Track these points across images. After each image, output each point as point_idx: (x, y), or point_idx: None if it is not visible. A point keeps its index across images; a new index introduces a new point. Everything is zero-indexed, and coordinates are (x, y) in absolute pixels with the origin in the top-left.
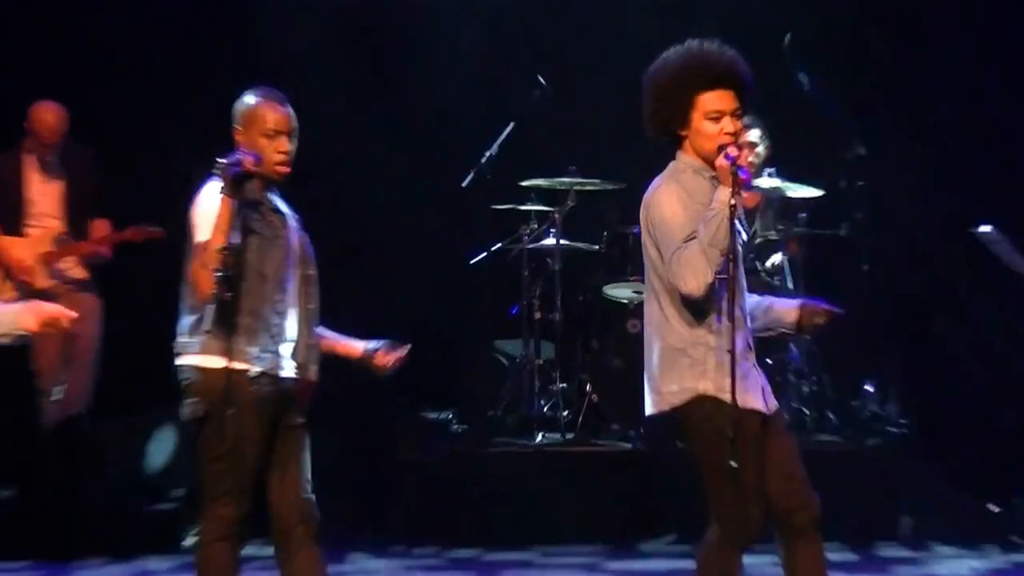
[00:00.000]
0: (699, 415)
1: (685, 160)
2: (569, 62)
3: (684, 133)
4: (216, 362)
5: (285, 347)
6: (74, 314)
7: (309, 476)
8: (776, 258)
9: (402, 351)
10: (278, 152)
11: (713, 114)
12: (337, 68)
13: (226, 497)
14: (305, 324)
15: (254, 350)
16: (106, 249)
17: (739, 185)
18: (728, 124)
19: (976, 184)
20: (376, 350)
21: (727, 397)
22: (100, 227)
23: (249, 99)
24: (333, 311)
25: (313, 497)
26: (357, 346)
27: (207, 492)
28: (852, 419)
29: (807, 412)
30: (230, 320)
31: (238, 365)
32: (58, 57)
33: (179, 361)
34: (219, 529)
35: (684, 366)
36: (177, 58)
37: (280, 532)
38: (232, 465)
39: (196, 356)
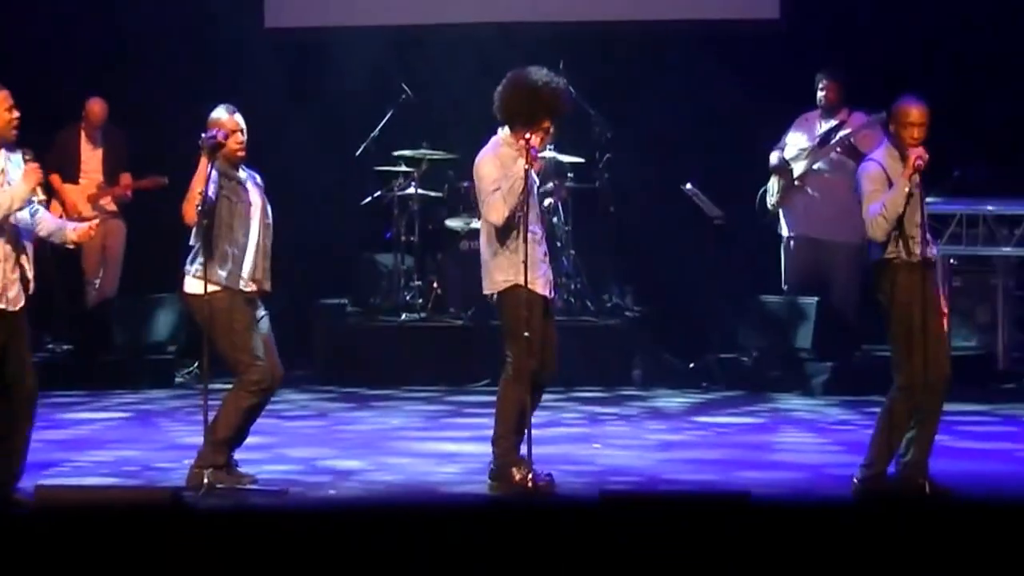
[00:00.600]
0: (510, 296)
1: (504, 137)
2: (424, 77)
3: (518, 130)
4: (200, 288)
5: (246, 271)
6: (96, 223)
7: (275, 348)
8: (549, 202)
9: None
10: (235, 143)
11: (544, 128)
12: (281, 83)
13: (245, 367)
14: (263, 255)
15: (223, 274)
16: (129, 193)
17: (531, 158)
18: (545, 135)
19: (683, 154)
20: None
21: (532, 287)
22: (125, 178)
23: (216, 110)
24: (278, 235)
25: (279, 362)
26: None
27: (235, 368)
28: (602, 307)
29: (573, 301)
30: (211, 254)
31: (213, 287)
32: (107, 62)
33: (184, 288)
34: (247, 387)
35: (505, 266)
36: (176, 78)
37: None
38: (235, 346)
39: (192, 282)
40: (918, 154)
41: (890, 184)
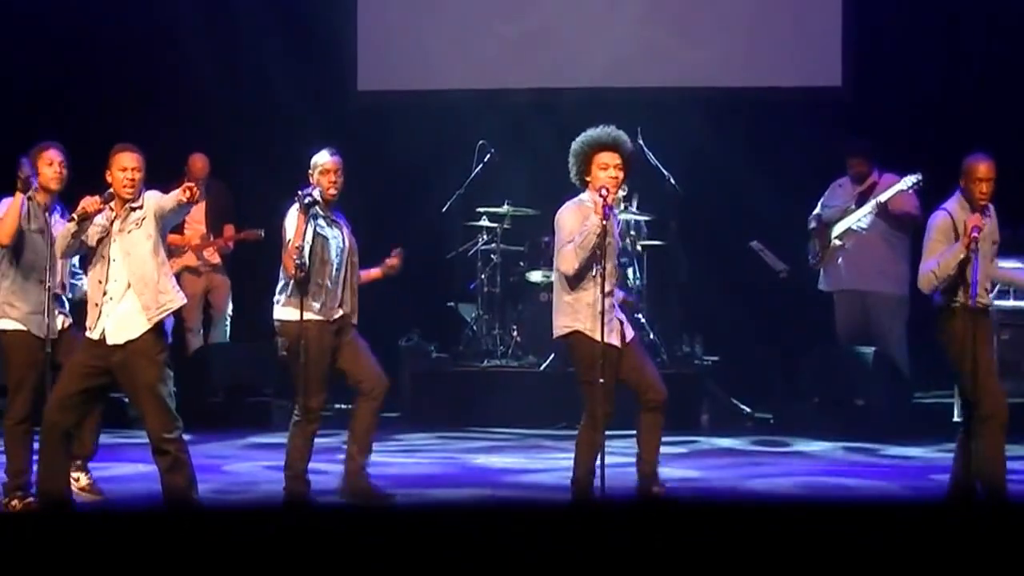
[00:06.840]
0: (576, 343)
1: (586, 194)
2: (508, 138)
3: (588, 179)
4: (293, 314)
5: (336, 302)
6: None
7: (374, 359)
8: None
9: (397, 255)
10: (330, 183)
11: (602, 166)
12: (373, 142)
13: (306, 394)
14: (351, 289)
15: (317, 305)
16: (231, 244)
17: (603, 213)
18: (612, 171)
19: (750, 212)
20: (386, 262)
21: (596, 335)
22: (227, 230)
23: (316, 155)
24: (373, 284)
25: (382, 371)
26: (377, 270)
27: (296, 392)
28: (674, 356)
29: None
30: (304, 288)
31: (307, 316)
32: (208, 122)
33: (274, 315)
34: (304, 413)
35: (569, 312)
36: (277, 138)
37: (363, 393)
38: (308, 375)
39: (282, 310)
40: (974, 223)
41: (955, 233)
